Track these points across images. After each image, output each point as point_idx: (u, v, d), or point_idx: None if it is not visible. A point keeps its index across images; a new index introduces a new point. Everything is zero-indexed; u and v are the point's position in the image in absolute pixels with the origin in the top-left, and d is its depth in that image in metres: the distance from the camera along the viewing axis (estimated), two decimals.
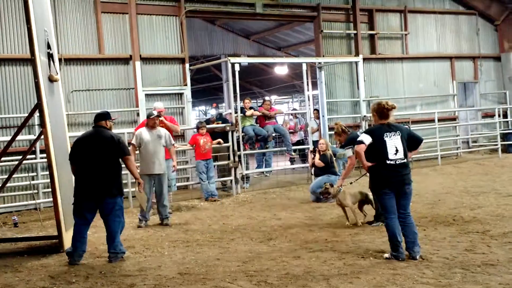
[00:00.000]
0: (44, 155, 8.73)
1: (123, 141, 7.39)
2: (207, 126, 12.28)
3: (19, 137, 8.99)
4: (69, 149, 8.77)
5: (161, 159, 9.59)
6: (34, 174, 11.81)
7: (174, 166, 10.01)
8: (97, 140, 7.21)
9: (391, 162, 6.42)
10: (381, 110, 6.56)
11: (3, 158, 9.49)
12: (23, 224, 10.17)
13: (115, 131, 12.17)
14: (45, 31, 8.20)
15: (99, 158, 7.12)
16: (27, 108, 11.77)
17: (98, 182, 7.08)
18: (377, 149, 6.45)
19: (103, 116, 7.45)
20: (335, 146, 14.72)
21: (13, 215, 10.49)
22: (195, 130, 12.30)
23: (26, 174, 11.56)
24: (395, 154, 6.45)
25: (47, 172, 8.21)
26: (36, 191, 11.65)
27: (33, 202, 11.08)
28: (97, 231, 8.87)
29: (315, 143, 13.22)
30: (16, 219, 10.11)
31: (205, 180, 11.78)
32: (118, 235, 7.18)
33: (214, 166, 12.47)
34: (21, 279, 6.42)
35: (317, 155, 11.45)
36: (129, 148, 7.70)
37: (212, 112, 23.07)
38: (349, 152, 8.39)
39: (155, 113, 9.94)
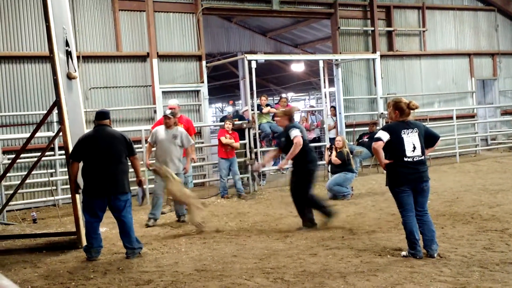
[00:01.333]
0: (63, 151, 8.80)
1: (130, 139, 7.43)
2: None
3: (38, 134, 9.08)
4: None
5: (175, 158, 9.60)
6: (53, 170, 11.93)
7: (185, 168, 9.85)
8: (109, 138, 7.21)
9: (409, 159, 6.38)
10: (403, 109, 6.50)
11: (22, 155, 9.60)
12: (42, 220, 10.28)
13: (133, 127, 12.47)
14: (64, 29, 8.26)
15: (112, 155, 7.14)
16: (46, 105, 11.89)
17: (112, 179, 7.10)
18: (395, 146, 6.41)
19: (107, 115, 7.44)
20: (352, 143, 14.72)
21: (32, 211, 10.60)
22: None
23: (45, 171, 11.68)
24: (413, 151, 6.41)
25: (66, 169, 8.29)
26: (54, 187, 11.77)
27: (52, 198, 11.19)
28: (114, 227, 8.95)
29: (332, 140, 13.18)
30: (35, 215, 10.22)
31: (224, 178, 11.81)
32: (132, 230, 7.22)
33: None
34: (40, 274, 6.49)
35: (334, 152, 11.42)
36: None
37: (229, 109, 23.09)
38: (295, 132, 8.36)
39: (168, 111, 9.97)
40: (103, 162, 7.11)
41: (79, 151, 7.21)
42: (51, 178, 11.52)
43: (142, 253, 7.22)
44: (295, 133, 8.37)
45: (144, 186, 8.39)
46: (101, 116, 7.37)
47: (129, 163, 7.47)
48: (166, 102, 12.90)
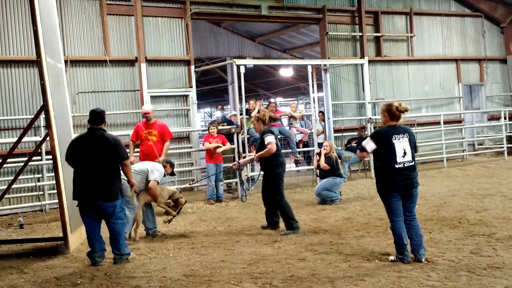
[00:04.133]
0: (50, 156, 8.75)
1: (121, 144, 7.12)
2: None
3: (25, 139, 9.02)
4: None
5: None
6: (40, 175, 11.85)
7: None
8: (93, 143, 7.01)
9: (400, 166, 6.40)
10: (393, 112, 6.52)
11: (9, 160, 9.52)
12: (28, 225, 10.20)
13: (121, 132, 12.41)
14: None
15: (95, 162, 6.94)
16: (33, 109, 11.82)
17: (94, 187, 6.93)
18: (386, 152, 6.41)
19: (101, 116, 7.16)
20: (340, 148, 14.75)
21: (18, 217, 10.51)
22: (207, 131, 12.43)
23: (32, 176, 11.60)
24: (403, 156, 6.42)
25: (53, 174, 8.23)
26: (41, 192, 11.69)
27: (39, 203, 11.11)
28: (103, 231, 8.92)
29: (321, 145, 13.21)
30: (22, 221, 10.14)
31: (213, 183, 11.82)
32: (121, 236, 7.14)
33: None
34: (27, 280, 6.44)
35: (322, 157, 11.43)
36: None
37: (218, 114, 23.12)
38: (270, 138, 8.67)
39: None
40: (90, 168, 6.97)
41: (67, 154, 7.15)
42: (38, 183, 11.45)
43: (130, 258, 7.18)
44: (269, 140, 8.63)
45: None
46: (93, 118, 7.13)
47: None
48: (154, 107, 12.86)
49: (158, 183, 8.47)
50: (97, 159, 6.96)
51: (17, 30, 12.06)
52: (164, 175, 8.86)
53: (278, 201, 8.64)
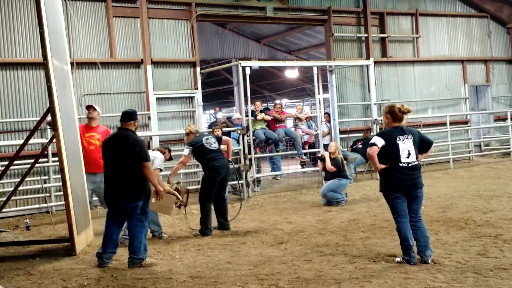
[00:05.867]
0: (56, 158, 8.77)
1: (142, 145, 7.09)
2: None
3: (31, 141, 9.05)
4: (81, 153, 8.89)
5: None
6: (46, 177, 11.88)
7: None
8: (117, 143, 7.10)
9: (404, 165, 6.40)
10: (396, 113, 6.52)
11: (15, 162, 9.55)
12: (35, 227, 10.23)
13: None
14: None
15: (117, 162, 7.03)
16: (40, 111, 11.85)
17: (118, 187, 7.01)
18: (390, 152, 6.41)
19: (128, 117, 7.23)
20: (346, 149, 14.75)
21: (25, 218, 10.54)
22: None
23: (39, 178, 11.64)
24: (408, 157, 6.42)
25: (59, 176, 8.25)
26: (48, 194, 11.72)
27: (45, 205, 11.14)
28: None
29: (326, 146, 13.20)
30: (28, 222, 10.17)
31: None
32: (137, 239, 7.02)
33: None
34: (33, 282, 6.45)
35: (328, 160, 11.38)
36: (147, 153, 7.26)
37: (218, 115, 23.16)
38: (186, 151, 9.23)
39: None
40: (111, 169, 7.08)
41: (102, 154, 7.35)
42: (44, 185, 11.48)
43: (146, 263, 7.13)
44: (183, 152, 9.32)
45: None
46: (121, 117, 7.27)
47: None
48: (160, 109, 12.92)
49: (161, 170, 8.52)
50: (118, 159, 7.03)
51: (23, 33, 12.10)
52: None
53: (201, 203, 9.08)
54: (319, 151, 11.75)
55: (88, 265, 7.14)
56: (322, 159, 11.60)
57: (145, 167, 7.01)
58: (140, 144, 7.05)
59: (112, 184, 7.08)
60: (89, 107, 9.69)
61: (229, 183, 12.70)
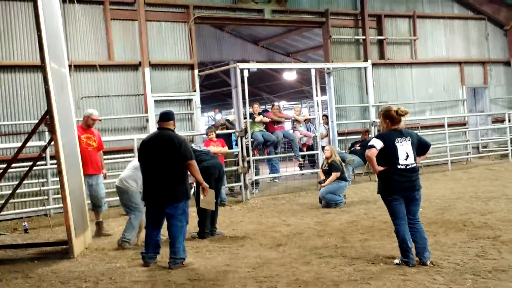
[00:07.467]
0: (54, 161, 8.76)
1: (185, 144, 7.10)
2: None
3: (29, 143, 9.03)
4: (79, 155, 8.86)
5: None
6: (44, 180, 11.86)
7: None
8: (158, 143, 7.08)
9: (402, 167, 6.41)
10: (393, 116, 6.52)
11: (13, 164, 9.54)
12: (33, 230, 10.21)
13: (125, 136, 12.43)
14: None
15: (160, 163, 7.00)
16: (38, 114, 11.84)
17: (159, 188, 7.00)
18: (388, 154, 6.42)
19: (166, 117, 7.26)
20: (344, 151, 14.75)
21: (23, 221, 10.54)
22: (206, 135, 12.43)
23: (36, 180, 11.62)
24: (406, 159, 6.43)
25: (57, 178, 8.24)
26: (46, 197, 11.70)
27: (43, 208, 11.13)
28: (107, 238, 8.96)
29: (324, 149, 13.21)
30: (27, 225, 10.16)
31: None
32: (178, 240, 7.01)
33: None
34: (32, 284, 6.45)
35: (328, 181, 11.25)
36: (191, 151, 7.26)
37: (217, 117, 23.20)
38: None
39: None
40: (153, 169, 7.05)
41: (139, 155, 7.30)
42: (42, 188, 11.47)
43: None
44: None
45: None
46: (160, 117, 7.29)
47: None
48: (158, 111, 12.85)
49: None
50: (161, 159, 7.00)
51: (21, 35, 12.10)
52: None
53: (198, 206, 8.75)
54: (320, 180, 11.59)
55: (87, 267, 7.13)
56: (322, 182, 11.44)
57: (191, 165, 7.09)
58: (185, 143, 7.11)
59: (154, 185, 7.05)
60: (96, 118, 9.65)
61: (227, 185, 12.76)
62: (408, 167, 6.43)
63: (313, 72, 14.23)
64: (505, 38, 19.71)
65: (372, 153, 6.42)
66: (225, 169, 12.53)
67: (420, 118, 17.17)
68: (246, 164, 12.55)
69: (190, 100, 14.08)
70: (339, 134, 15.70)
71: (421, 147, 6.66)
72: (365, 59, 16.55)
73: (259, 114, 14.01)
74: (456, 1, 18.79)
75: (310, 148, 16.35)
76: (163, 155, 7.00)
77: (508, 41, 19.70)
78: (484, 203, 10.37)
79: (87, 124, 9.54)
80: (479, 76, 19.18)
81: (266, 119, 14.10)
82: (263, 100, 30.25)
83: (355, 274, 6.15)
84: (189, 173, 7.24)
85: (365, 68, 16.04)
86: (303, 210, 10.96)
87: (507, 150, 17.57)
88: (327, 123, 16.09)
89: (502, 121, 18.39)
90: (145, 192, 7.21)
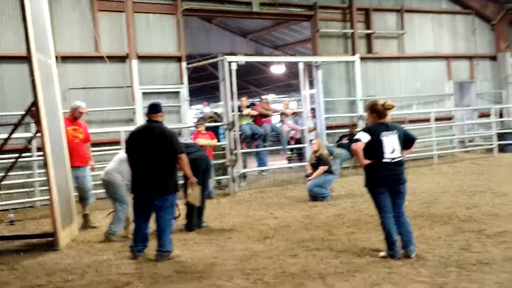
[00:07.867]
0: (41, 153, 8.70)
1: (176, 137, 7.13)
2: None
3: (15, 135, 8.96)
4: (65, 147, 8.81)
5: None
6: (31, 172, 11.79)
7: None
8: (148, 136, 7.03)
9: (388, 160, 6.44)
10: (379, 110, 6.55)
11: None
12: (19, 222, 10.16)
13: (112, 129, 12.36)
14: None
15: (150, 155, 6.96)
16: (24, 106, 11.70)
17: (149, 180, 6.96)
18: (374, 148, 6.45)
19: (156, 109, 7.21)
20: (331, 145, 14.79)
21: (9, 213, 10.47)
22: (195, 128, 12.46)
23: (22, 172, 11.54)
24: (392, 152, 6.46)
25: (44, 170, 8.19)
26: (32, 189, 11.63)
27: (30, 200, 11.06)
28: (94, 230, 8.93)
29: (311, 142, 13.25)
30: (13, 217, 10.10)
31: None
32: (166, 232, 7.01)
33: None
34: (17, 276, 6.42)
35: (315, 174, 11.26)
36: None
37: (206, 110, 23.19)
38: None
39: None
40: (142, 162, 7.00)
41: (126, 146, 7.25)
42: (28, 180, 11.39)
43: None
44: None
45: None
46: (149, 110, 7.26)
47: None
48: (145, 103, 12.82)
49: None
50: (152, 151, 6.96)
51: (7, 26, 11.99)
52: None
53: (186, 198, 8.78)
54: (307, 173, 11.59)
55: (73, 259, 7.12)
56: (309, 176, 11.46)
57: (181, 159, 7.08)
58: (175, 136, 7.12)
59: (144, 177, 7.00)
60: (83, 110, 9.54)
61: (214, 178, 12.75)
62: (394, 160, 6.47)
63: (301, 66, 14.25)
64: (492, 33, 19.83)
65: (358, 147, 6.45)
66: (213, 162, 12.59)
67: (407, 112, 17.25)
68: (233, 157, 12.54)
69: (177, 93, 14.05)
70: (327, 128, 15.73)
71: (407, 141, 6.69)
72: (353, 53, 16.58)
73: (247, 107, 14.00)
74: None
75: (298, 141, 16.38)
76: (154, 147, 6.97)
77: (495, 36, 19.82)
78: (469, 197, 10.45)
79: (74, 116, 9.47)
80: (466, 71, 19.30)
81: (254, 112, 14.10)
82: (251, 93, 30.22)
83: (341, 267, 6.19)
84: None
85: (353, 62, 16.08)
86: (291, 203, 10.99)
87: (492, 144, 17.72)
88: (315, 117, 16.12)
89: (488, 115, 18.52)
90: (134, 185, 7.15)
